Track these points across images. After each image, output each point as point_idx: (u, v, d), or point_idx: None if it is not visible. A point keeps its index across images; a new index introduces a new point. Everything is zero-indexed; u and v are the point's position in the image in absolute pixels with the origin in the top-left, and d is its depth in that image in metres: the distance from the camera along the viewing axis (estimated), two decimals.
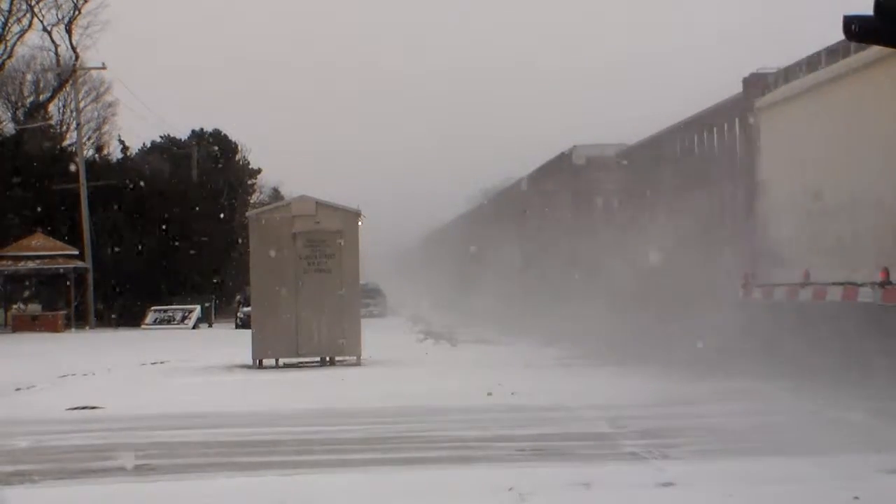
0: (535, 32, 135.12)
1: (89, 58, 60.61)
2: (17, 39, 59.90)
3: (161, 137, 66.40)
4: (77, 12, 60.50)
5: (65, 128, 63.48)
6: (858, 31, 8.05)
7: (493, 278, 45.00)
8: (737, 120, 23.61)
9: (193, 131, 68.16)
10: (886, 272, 16.46)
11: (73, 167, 53.73)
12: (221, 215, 59.55)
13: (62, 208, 52.74)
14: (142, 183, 55.78)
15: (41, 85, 62.90)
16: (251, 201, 67.84)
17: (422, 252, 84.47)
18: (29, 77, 62.54)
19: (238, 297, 50.70)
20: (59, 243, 51.13)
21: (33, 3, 59.75)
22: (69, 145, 60.62)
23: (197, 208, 57.27)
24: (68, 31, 60.82)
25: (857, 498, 9.25)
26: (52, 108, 62.99)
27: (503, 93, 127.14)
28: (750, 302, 20.50)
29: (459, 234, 60.42)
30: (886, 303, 16.25)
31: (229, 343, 32.57)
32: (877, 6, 7.84)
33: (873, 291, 16.61)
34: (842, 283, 17.63)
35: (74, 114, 58.73)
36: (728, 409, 15.18)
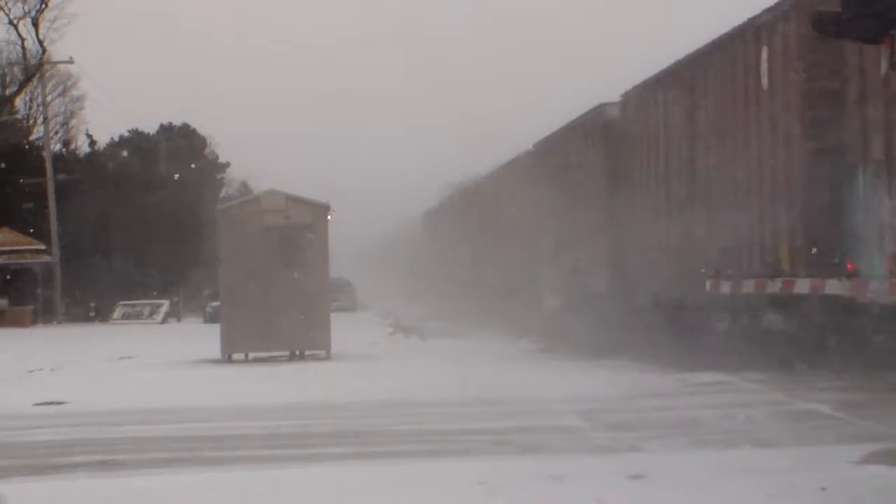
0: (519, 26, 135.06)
1: (56, 51, 60.06)
2: None
3: (129, 132, 66.04)
4: (44, 6, 59.89)
5: (32, 122, 62.96)
6: (828, 26, 8.08)
7: (463, 272, 44.97)
8: None
9: (162, 125, 67.84)
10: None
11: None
12: (190, 209, 59.22)
13: (29, 203, 52.36)
14: (109, 177, 55.49)
15: (7, 79, 62.34)
16: (220, 195, 67.53)
17: (392, 246, 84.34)
18: None
19: (206, 292, 50.46)
20: (26, 238, 50.73)
21: None
22: (36, 139, 60.18)
23: (165, 202, 57.00)
24: (35, 25, 60.20)
25: (824, 489, 9.29)
26: (18, 102, 62.44)
27: (477, 83, 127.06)
28: (718, 295, 20.50)
29: (430, 228, 60.31)
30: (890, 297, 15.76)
31: (198, 338, 32.39)
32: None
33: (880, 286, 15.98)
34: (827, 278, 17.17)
35: (41, 108, 58.26)
36: (697, 401, 15.22)
